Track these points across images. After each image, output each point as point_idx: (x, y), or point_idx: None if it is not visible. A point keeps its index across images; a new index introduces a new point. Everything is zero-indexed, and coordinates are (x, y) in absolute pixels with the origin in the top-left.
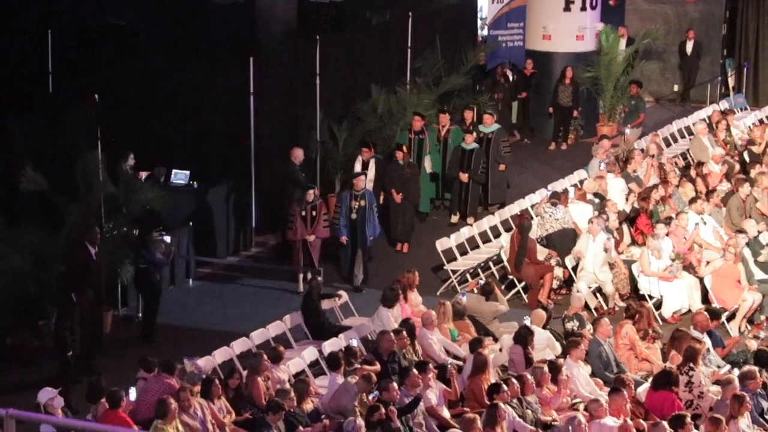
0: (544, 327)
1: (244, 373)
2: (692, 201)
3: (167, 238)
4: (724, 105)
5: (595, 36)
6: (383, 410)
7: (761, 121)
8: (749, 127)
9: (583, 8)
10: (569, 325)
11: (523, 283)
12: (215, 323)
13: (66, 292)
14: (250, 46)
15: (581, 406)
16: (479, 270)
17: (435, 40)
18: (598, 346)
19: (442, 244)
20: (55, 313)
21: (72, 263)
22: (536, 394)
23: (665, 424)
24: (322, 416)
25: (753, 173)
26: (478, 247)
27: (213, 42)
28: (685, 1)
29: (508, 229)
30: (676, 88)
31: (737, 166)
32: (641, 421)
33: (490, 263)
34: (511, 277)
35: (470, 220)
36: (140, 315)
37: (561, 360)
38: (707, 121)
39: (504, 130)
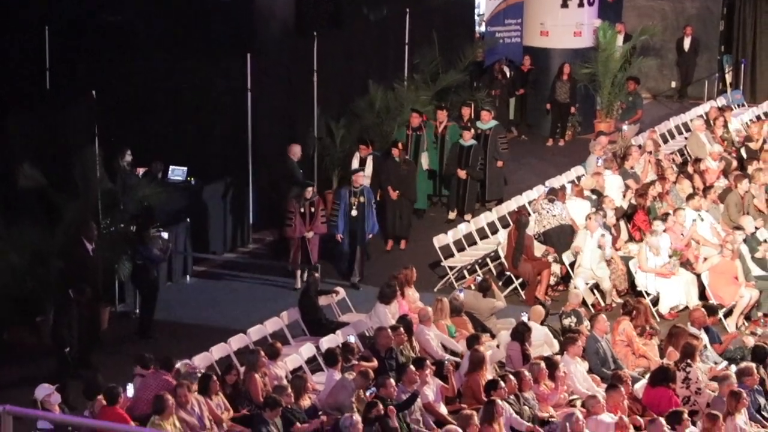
0: (541, 323)
1: (242, 369)
2: (689, 197)
3: (164, 235)
4: (721, 101)
5: (593, 32)
6: (381, 406)
7: (758, 118)
8: (746, 123)
9: (581, 5)
10: (566, 322)
11: (520, 280)
12: (212, 319)
13: (63, 288)
14: (248, 43)
15: (578, 403)
16: (476, 266)
17: (432, 36)
18: (595, 343)
19: (439, 240)
20: (53, 310)
21: (69, 260)
22: (533, 391)
23: (662, 420)
24: (320, 412)
25: (750, 170)
26: (475, 243)
27: (211, 39)
28: None
29: (505, 226)
30: (673, 84)
31: (734, 163)
32: (638, 417)
33: (488, 260)
34: (508, 273)
35: (467, 216)
36: (137, 311)
37: (557, 356)
38: (704, 118)
39: (502, 126)
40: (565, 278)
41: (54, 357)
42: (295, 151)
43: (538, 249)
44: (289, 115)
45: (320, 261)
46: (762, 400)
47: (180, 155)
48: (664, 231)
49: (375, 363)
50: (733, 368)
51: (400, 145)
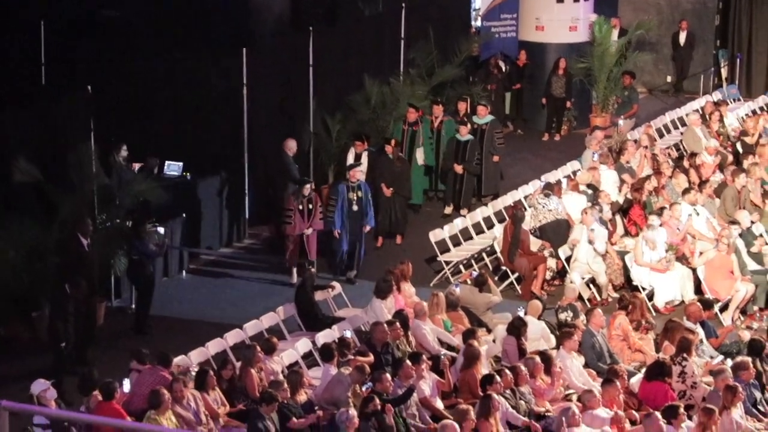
0: (538, 318)
1: (238, 364)
2: (685, 192)
3: (160, 230)
4: (717, 96)
5: (588, 27)
6: (377, 401)
7: (754, 112)
8: (742, 117)
9: None
10: (563, 316)
11: (516, 274)
12: (208, 315)
13: (59, 283)
14: (244, 39)
15: (574, 397)
16: (472, 261)
17: (428, 31)
18: (591, 337)
19: (435, 235)
20: (49, 305)
21: (64, 255)
22: (530, 385)
23: (658, 414)
24: (316, 407)
25: (746, 164)
26: (471, 238)
27: (207, 35)
28: None
29: (501, 221)
30: (669, 79)
31: (730, 157)
32: (634, 411)
33: (484, 254)
34: (504, 268)
35: (464, 211)
36: (133, 306)
37: (551, 351)
38: (700, 112)
39: (498, 121)
40: (561, 273)
41: (50, 352)
42: (291, 146)
43: (534, 244)
44: (284, 109)
45: (317, 257)
46: (758, 394)
47: (176, 150)
48: (660, 225)
49: (371, 358)
50: (729, 362)
51: (393, 141)
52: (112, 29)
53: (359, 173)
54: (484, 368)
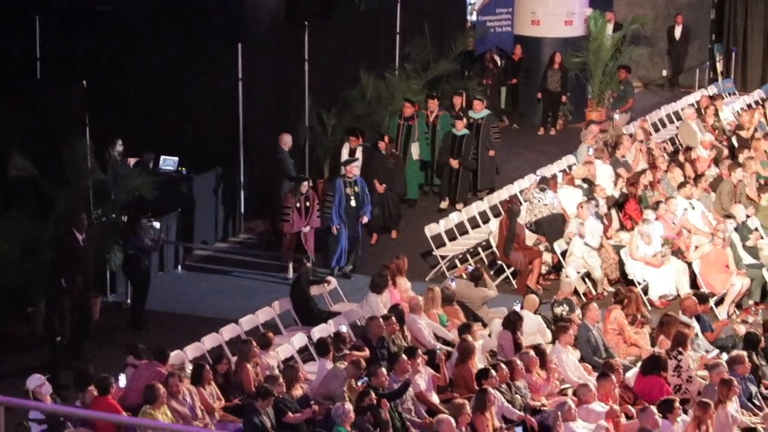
0: (535, 312)
1: (233, 359)
2: (681, 186)
3: (156, 225)
4: (712, 90)
5: (584, 21)
6: (373, 396)
7: (749, 106)
8: (737, 112)
9: None
10: (558, 310)
11: (511, 269)
12: (204, 309)
13: (55, 278)
14: (239, 33)
15: (570, 392)
16: (468, 256)
17: (423, 25)
18: (586, 331)
19: (431, 229)
20: (44, 300)
21: (59, 250)
22: (525, 380)
23: (654, 408)
24: (311, 402)
25: (741, 158)
26: (467, 232)
27: (202, 29)
28: None
29: (497, 215)
30: (664, 73)
31: (725, 151)
32: (630, 406)
33: (479, 249)
34: (499, 262)
35: (459, 205)
36: (129, 301)
37: (546, 345)
38: (696, 106)
39: (494, 115)
40: (557, 267)
41: (46, 347)
42: (286, 141)
43: (530, 238)
44: (280, 104)
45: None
46: (753, 388)
47: (171, 145)
48: (656, 219)
49: (367, 352)
50: (725, 357)
51: (386, 138)
52: (108, 24)
53: (355, 168)
54: (479, 363)
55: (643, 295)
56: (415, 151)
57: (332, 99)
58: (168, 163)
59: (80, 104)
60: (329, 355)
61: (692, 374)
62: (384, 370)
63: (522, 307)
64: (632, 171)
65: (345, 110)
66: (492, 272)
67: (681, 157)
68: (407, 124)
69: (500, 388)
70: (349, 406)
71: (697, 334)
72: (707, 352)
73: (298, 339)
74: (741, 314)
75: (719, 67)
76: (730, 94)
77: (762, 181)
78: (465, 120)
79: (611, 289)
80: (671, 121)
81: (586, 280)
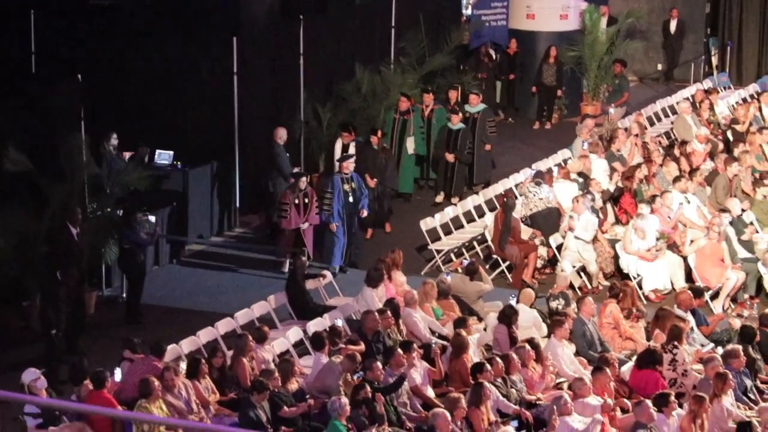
0: (530, 306)
1: (228, 352)
2: (676, 180)
3: (151, 219)
4: (707, 84)
5: (579, 15)
6: (368, 389)
7: (744, 100)
8: (733, 106)
9: None
10: (554, 304)
11: (507, 263)
12: (199, 303)
13: (50, 271)
14: (235, 27)
15: (565, 386)
16: (463, 249)
17: (419, 19)
18: (582, 326)
19: (426, 223)
20: (40, 294)
21: (54, 244)
22: (521, 374)
23: (649, 402)
24: (307, 396)
25: (737, 152)
26: (462, 226)
27: (197, 23)
28: None
29: (492, 209)
30: (659, 67)
31: (721, 145)
32: (625, 399)
33: (475, 243)
34: (495, 256)
35: (455, 200)
36: (124, 295)
37: (539, 339)
38: (691, 100)
39: (490, 110)
40: (552, 261)
41: (41, 341)
42: (281, 135)
43: (525, 232)
44: (275, 98)
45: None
46: (748, 382)
47: (166, 139)
48: (651, 213)
49: (362, 346)
50: (720, 350)
51: (379, 133)
52: (103, 18)
53: (351, 165)
54: (475, 357)
55: (638, 289)
56: (410, 145)
57: (327, 93)
58: (163, 157)
59: (75, 98)
60: (325, 349)
61: (687, 368)
62: (379, 364)
63: (517, 301)
64: (627, 165)
65: (340, 104)
66: (487, 266)
67: (676, 151)
68: (403, 118)
69: (495, 382)
70: (344, 400)
71: (692, 328)
72: (702, 346)
73: (294, 333)
74: (736, 308)
75: (714, 61)
76: (725, 88)
77: (757, 175)
78: (460, 114)
79: (606, 283)
80: (666, 115)
81: (582, 274)
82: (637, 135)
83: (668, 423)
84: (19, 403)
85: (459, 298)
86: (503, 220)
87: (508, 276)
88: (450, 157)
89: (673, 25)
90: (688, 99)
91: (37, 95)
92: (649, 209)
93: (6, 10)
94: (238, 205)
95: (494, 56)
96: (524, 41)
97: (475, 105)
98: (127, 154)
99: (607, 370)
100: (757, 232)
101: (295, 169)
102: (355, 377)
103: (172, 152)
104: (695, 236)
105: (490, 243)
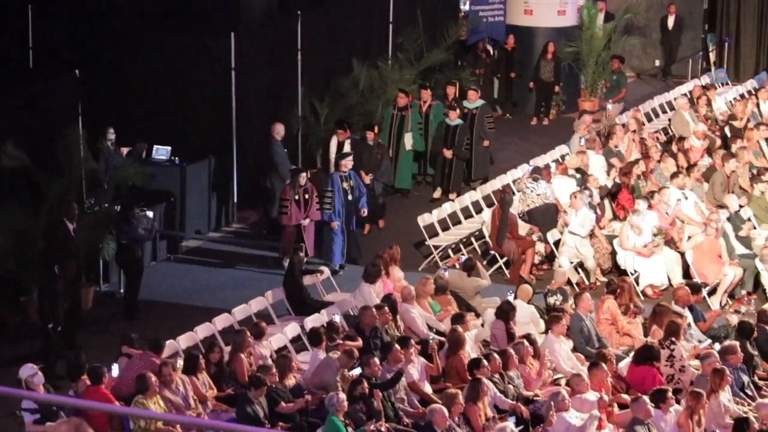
0: (528, 302)
1: (225, 348)
2: (674, 176)
3: (149, 214)
4: (705, 80)
5: (577, 11)
6: (365, 385)
7: (742, 96)
8: (730, 101)
9: None
10: (552, 300)
11: (504, 259)
12: (197, 299)
13: (47, 266)
14: (232, 22)
15: (563, 381)
16: (461, 245)
17: (416, 15)
18: (579, 321)
19: (423, 219)
20: (37, 289)
21: (50, 239)
22: (518, 370)
23: (646, 398)
24: (305, 391)
25: (734, 148)
26: (459, 222)
27: (195, 18)
28: None
29: (489, 205)
30: (657, 63)
31: (718, 141)
32: (623, 395)
33: (472, 239)
34: (492, 252)
35: (452, 195)
36: (122, 291)
37: (536, 335)
38: (688, 96)
39: (488, 105)
40: (550, 257)
41: (38, 337)
42: (279, 130)
43: (523, 228)
44: (272, 93)
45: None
46: (745, 378)
47: (164, 135)
48: (649, 209)
49: (359, 342)
50: (717, 346)
51: (376, 128)
52: (101, 14)
53: (350, 162)
54: (472, 352)
55: (635, 285)
56: (408, 141)
57: (325, 89)
58: (161, 152)
59: (73, 94)
60: (322, 344)
61: (685, 364)
62: (377, 359)
63: (515, 297)
64: (625, 161)
65: (338, 100)
66: (485, 262)
67: (674, 147)
68: (401, 114)
69: (493, 377)
70: (342, 395)
71: (689, 324)
72: (700, 342)
73: (291, 329)
74: (733, 304)
75: (712, 57)
76: (722, 84)
77: (755, 171)
78: (458, 110)
79: (604, 279)
80: (664, 111)
81: (579, 270)
82: (634, 131)
83: (665, 419)
84: (17, 399)
85: (456, 294)
86: (500, 215)
87: (506, 272)
88: (448, 153)
89: (670, 21)
90: (685, 95)
91: (35, 91)
92: (646, 205)
93: (4, 6)
94: (235, 200)
95: (492, 52)
96: (522, 37)
97: (474, 101)
98: (124, 150)
99: (604, 365)
100: (755, 228)
101: (292, 167)
102: (352, 373)
103: (169, 148)
104: (693, 232)
105: (487, 239)
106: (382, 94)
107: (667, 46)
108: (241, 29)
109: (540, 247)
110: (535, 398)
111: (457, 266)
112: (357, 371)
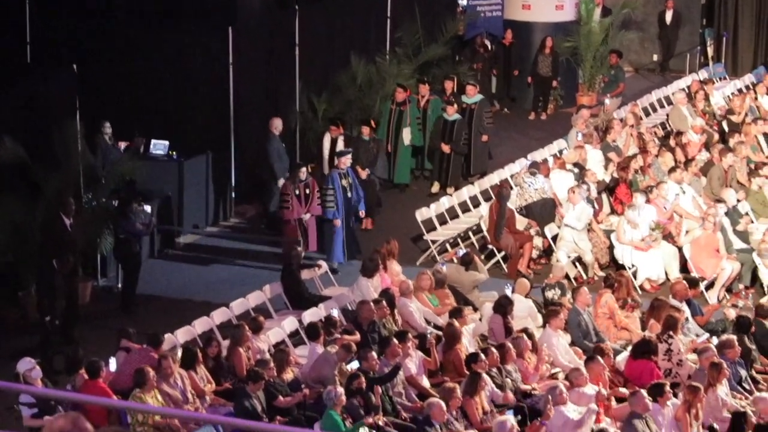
0: (526, 296)
1: (223, 342)
2: (671, 170)
3: (147, 209)
4: (703, 74)
5: (575, 6)
6: (362, 379)
7: (740, 91)
8: (728, 96)
9: None
10: (550, 294)
11: (502, 253)
12: (195, 293)
13: (44, 261)
14: (230, 17)
15: (561, 375)
16: (459, 240)
17: (414, 9)
18: (577, 315)
19: (421, 214)
20: (35, 283)
21: (47, 234)
22: (516, 364)
23: (644, 392)
24: (302, 386)
25: (732, 143)
26: (457, 217)
27: (192, 13)
28: None
29: (487, 199)
30: (655, 57)
31: (716, 136)
32: (620, 389)
33: (470, 233)
34: (490, 246)
35: (450, 190)
36: (120, 286)
37: (533, 329)
38: (686, 91)
39: (487, 100)
40: (548, 251)
41: (36, 331)
42: (277, 125)
43: (521, 222)
44: (270, 88)
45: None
46: (743, 372)
47: (162, 129)
48: (648, 203)
49: (357, 336)
50: (715, 340)
51: (372, 123)
52: (98, 8)
53: (348, 160)
54: (470, 346)
55: (633, 280)
56: (406, 136)
57: (323, 84)
58: (158, 147)
59: (70, 89)
60: (320, 339)
61: (682, 358)
62: (374, 354)
63: (513, 291)
64: (623, 155)
65: (336, 95)
66: (483, 256)
67: (672, 142)
68: (399, 109)
69: (490, 372)
70: (340, 389)
71: (687, 318)
72: (697, 336)
73: (289, 323)
74: (731, 298)
75: (710, 51)
76: (720, 79)
77: (752, 166)
78: (456, 105)
79: (602, 274)
80: (662, 106)
81: (577, 264)
82: (632, 125)
83: (663, 413)
84: (14, 393)
85: (454, 288)
86: (498, 210)
87: (504, 266)
88: (445, 148)
89: (668, 16)
90: (683, 90)
91: (33, 85)
92: (644, 199)
93: (2, 2)
94: (233, 195)
95: (489, 47)
96: (520, 32)
97: (472, 96)
98: (122, 144)
99: (600, 359)
100: (752, 222)
101: (298, 162)
102: (350, 367)
103: (167, 142)
104: (690, 227)
105: (485, 233)
106: (380, 89)
107: (664, 41)
108: (239, 24)
109: (538, 241)
110: (532, 392)
111: (455, 260)
112: (354, 365)
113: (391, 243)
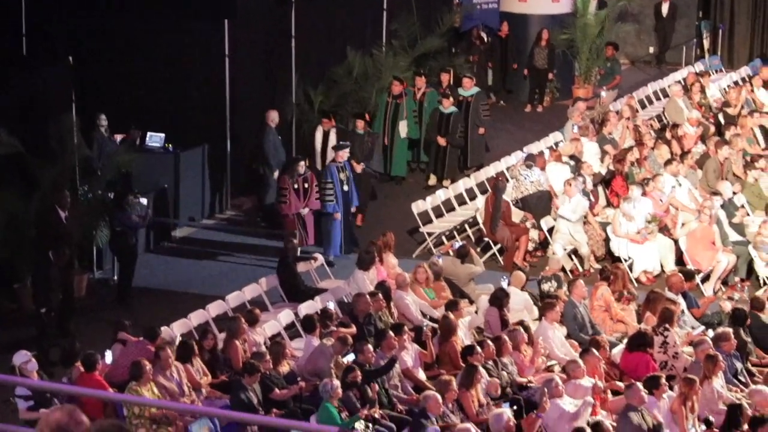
0: (521, 289)
1: (219, 335)
2: (667, 163)
3: (143, 201)
4: (699, 67)
5: None
6: (357, 371)
7: (736, 83)
8: (724, 89)
9: None
10: (546, 286)
11: (498, 246)
12: (190, 286)
13: (40, 254)
14: (226, 9)
15: (557, 368)
16: (455, 232)
17: (411, 2)
18: (573, 308)
19: (417, 206)
20: (31, 275)
21: (42, 227)
22: (512, 357)
23: (640, 384)
24: (298, 378)
25: (728, 135)
26: (453, 209)
27: (189, 4)
28: None
29: (483, 192)
30: (651, 50)
31: (712, 128)
32: (616, 382)
33: (466, 225)
34: (486, 239)
35: (446, 182)
36: (115, 278)
37: (529, 321)
38: (682, 84)
39: (483, 93)
40: (544, 244)
41: (32, 324)
42: (273, 117)
43: (517, 215)
44: (266, 81)
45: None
46: (739, 365)
47: (158, 122)
48: (643, 195)
49: (353, 329)
50: (711, 333)
51: (367, 116)
52: (95, 1)
53: (345, 153)
54: (466, 339)
55: (629, 272)
56: (403, 129)
57: (319, 76)
58: (154, 139)
59: (66, 81)
60: (316, 331)
61: (678, 351)
62: (371, 346)
63: (509, 284)
64: (619, 148)
65: (332, 87)
66: (479, 249)
67: (668, 134)
68: (395, 102)
69: (486, 364)
70: (336, 382)
71: (683, 311)
72: (693, 328)
73: (285, 315)
74: (727, 291)
75: (706, 44)
76: (716, 71)
77: (748, 158)
78: (452, 98)
79: (598, 266)
80: (658, 98)
81: (573, 256)
82: (628, 118)
83: (659, 405)
84: (10, 386)
85: (450, 281)
86: (494, 202)
87: (500, 259)
88: (441, 141)
89: (665, 8)
90: (679, 82)
91: (29, 77)
92: (640, 192)
93: None
94: (229, 187)
95: (486, 39)
96: (516, 24)
97: (469, 88)
98: (118, 137)
99: (595, 351)
100: (748, 215)
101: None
102: (345, 359)
103: (163, 135)
104: (686, 219)
105: (481, 226)
106: (376, 82)
107: (661, 33)
108: (235, 17)
109: (534, 233)
110: (528, 385)
111: (451, 253)
112: (350, 358)
113: (387, 235)
